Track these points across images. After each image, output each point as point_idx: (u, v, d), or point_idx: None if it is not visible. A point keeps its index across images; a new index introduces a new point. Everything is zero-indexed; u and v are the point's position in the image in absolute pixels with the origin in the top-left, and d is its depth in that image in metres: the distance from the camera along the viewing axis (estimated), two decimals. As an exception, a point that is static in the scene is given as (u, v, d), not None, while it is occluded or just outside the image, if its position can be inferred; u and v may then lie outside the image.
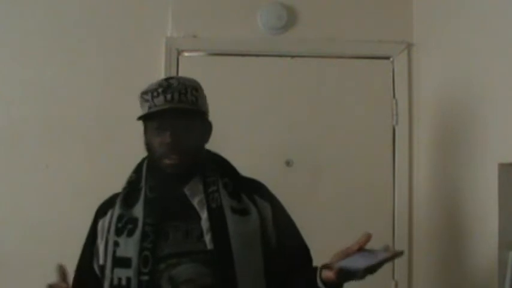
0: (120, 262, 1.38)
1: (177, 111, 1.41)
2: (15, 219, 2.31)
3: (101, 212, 1.54)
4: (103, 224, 1.49)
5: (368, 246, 2.52)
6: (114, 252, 1.39)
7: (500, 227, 1.63)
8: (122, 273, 1.37)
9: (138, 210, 1.43)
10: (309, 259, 1.52)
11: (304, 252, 1.53)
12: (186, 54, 2.43)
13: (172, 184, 1.46)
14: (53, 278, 2.36)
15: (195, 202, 1.43)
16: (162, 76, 2.37)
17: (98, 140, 2.37)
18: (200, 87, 1.49)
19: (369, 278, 2.52)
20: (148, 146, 1.50)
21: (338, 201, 2.37)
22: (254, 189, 1.52)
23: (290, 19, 2.45)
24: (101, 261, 1.44)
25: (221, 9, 2.44)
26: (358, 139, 2.42)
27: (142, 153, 2.42)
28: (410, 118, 2.43)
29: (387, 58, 2.47)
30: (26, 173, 2.34)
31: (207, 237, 1.37)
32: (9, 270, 2.28)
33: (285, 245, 1.47)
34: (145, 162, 1.56)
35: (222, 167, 1.52)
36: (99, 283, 1.44)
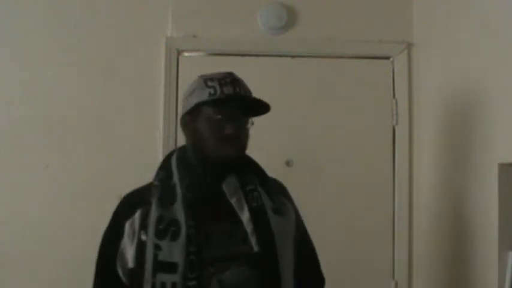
0: (164, 267, 1.31)
1: (250, 101, 1.39)
2: (15, 219, 2.31)
3: (127, 212, 1.43)
4: (132, 224, 1.39)
5: (369, 246, 2.54)
6: (156, 256, 1.32)
7: (500, 227, 1.63)
8: (166, 279, 1.30)
9: (179, 212, 1.35)
10: (315, 257, 1.57)
11: (312, 253, 1.57)
12: (186, 54, 2.43)
13: (209, 181, 1.41)
14: (53, 278, 2.37)
15: (233, 201, 1.38)
16: (162, 76, 2.38)
17: (98, 140, 2.37)
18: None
19: (369, 278, 2.53)
20: (199, 134, 1.40)
21: (338, 201, 2.37)
22: (281, 190, 1.52)
23: (290, 19, 2.45)
24: (131, 264, 1.37)
25: (221, 9, 2.45)
26: (358, 139, 2.42)
27: (142, 153, 2.43)
28: (410, 118, 2.43)
29: (387, 58, 2.47)
30: (26, 173, 2.34)
31: (253, 240, 1.34)
32: (9, 270, 2.28)
33: (302, 246, 1.49)
34: (174, 157, 1.48)
35: (253, 166, 1.49)
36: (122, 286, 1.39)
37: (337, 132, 2.42)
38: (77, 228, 2.32)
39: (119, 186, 2.34)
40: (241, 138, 1.39)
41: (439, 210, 2.15)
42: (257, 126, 2.37)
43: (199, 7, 2.45)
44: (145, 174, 2.33)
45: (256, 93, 2.40)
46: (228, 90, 1.36)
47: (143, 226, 1.36)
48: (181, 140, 2.49)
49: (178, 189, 1.39)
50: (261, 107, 1.43)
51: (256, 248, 1.33)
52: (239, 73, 2.47)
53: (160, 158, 2.35)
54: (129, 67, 2.40)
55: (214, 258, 1.33)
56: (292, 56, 2.45)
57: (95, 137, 2.37)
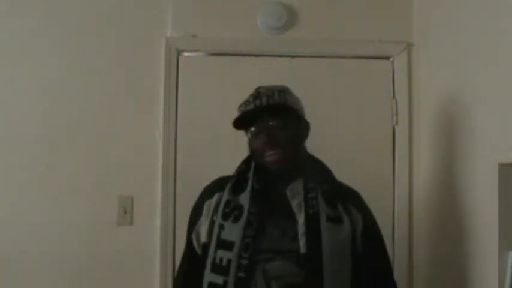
0: (224, 244, 1.48)
1: (262, 111, 1.51)
2: (15, 219, 2.31)
3: (208, 193, 1.62)
4: (209, 204, 1.58)
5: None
6: (219, 234, 1.49)
7: (500, 227, 1.63)
8: (224, 255, 1.46)
9: (245, 199, 1.52)
10: (389, 276, 1.68)
11: (385, 271, 1.65)
12: (186, 54, 2.43)
13: (276, 182, 1.55)
14: (53, 277, 2.38)
15: (294, 204, 1.51)
16: (162, 76, 2.39)
17: (98, 140, 2.37)
18: (288, 89, 1.61)
19: (369, 278, 2.50)
20: (252, 150, 1.59)
21: (338, 201, 2.36)
22: (350, 199, 1.61)
23: (290, 19, 2.45)
24: (204, 239, 1.54)
25: (221, 9, 2.44)
26: (358, 139, 2.41)
27: (142, 153, 2.43)
28: (410, 118, 2.43)
29: (387, 58, 2.47)
30: (26, 173, 2.34)
31: (302, 241, 1.45)
32: (9, 270, 2.28)
33: (369, 261, 1.54)
34: None
35: (322, 173, 1.63)
36: (200, 262, 1.53)
37: (337, 132, 2.42)
38: (77, 228, 2.33)
39: (119, 186, 2.37)
40: (278, 139, 1.51)
41: (439, 210, 2.15)
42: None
43: (199, 7, 2.45)
44: (145, 174, 2.35)
45: (256, 93, 2.41)
46: (250, 107, 1.53)
47: (216, 208, 1.55)
48: (181, 140, 2.50)
49: (250, 182, 1.56)
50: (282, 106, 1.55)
51: (303, 249, 1.44)
52: (239, 73, 2.48)
53: (160, 158, 2.36)
54: (129, 67, 2.40)
55: (265, 248, 1.46)
56: (292, 56, 2.45)
57: (95, 137, 2.37)
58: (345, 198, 1.59)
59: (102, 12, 2.43)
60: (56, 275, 2.30)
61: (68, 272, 2.31)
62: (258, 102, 1.51)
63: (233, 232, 1.48)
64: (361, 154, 2.41)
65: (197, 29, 2.43)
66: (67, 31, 2.40)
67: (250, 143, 1.58)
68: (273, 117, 1.52)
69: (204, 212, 1.58)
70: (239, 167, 1.64)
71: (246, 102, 1.55)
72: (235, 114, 2.35)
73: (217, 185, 1.63)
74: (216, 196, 1.58)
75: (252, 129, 1.55)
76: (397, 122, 2.43)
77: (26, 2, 2.41)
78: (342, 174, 2.40)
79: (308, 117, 2.41)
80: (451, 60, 2.08)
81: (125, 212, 2.33)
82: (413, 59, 2.45)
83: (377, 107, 2.44)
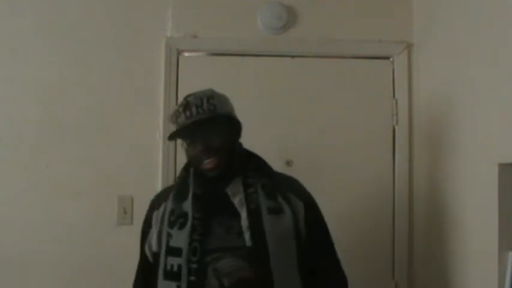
0: (173, 251, 1.55)
1: (195, 124, 1.54)
2: (15, 219, 2.31)
3: (156, 204, 1.70)
4: (157, 215, 1.66)
5: (369, 246, 2.54)
6: (168, 242, 1.57)
7: (500, 227, 1.63)
8: (174, 261, 1.54)
9: (188, 206, 1.59)
10: (333, 257, 1.70)
11: (330, 250, 1.69)
12: (186, 54, 2.43)
13: (216, 185, 1.60)
14: (53, 277, 2.38)
15: (236, 201, 1.58)
16: (162, 76, 2.38)
17: (98, 140, 2.37)
18: (215, 93, 1.64)
19: (369, 279, 2.54)
20: (189, 158, 1.65)
21: (338, 201, 2.36)
22: (289, 188, 1.66)
23: (290, 19, 2.45)
24: (155, 249, 1.62)
25: (221, 9, 2.45)
26: (358, 139, 2.41)
27: (142, 153, 2.43)
28: (410, 118, 2.43)
29: (387, 58, 2.47)
30: (26, 173, 2.34)
31: (246, 235, 1.52)
32: (9, 270, 2.28)
33: (313, 243, 1.61)
34: None
35: (260, 167, 1.67)
36: (153, 270, 1.61)
37: (337, 132, 2.42)
38: (77, 228, 2.33)
39: (119, 186, 2.37)
40: (212, 148, 1.56)
41: (439, 210, 2.15)
42: (257, 126, 2.39)
43: (199, 7, 2.45)
44: (145, 174, 2.35)
45: (257, 93, 2.42)
46: (181, 119, 1.56)
47: (163, 217, 1.62)
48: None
49: (191, 188, 1.62)
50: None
51: (248, 243, 1.52)
52: (239, 73, 2.49)
53: (160, 158, 2.37)
54: (129, 67, 2.40)
55: (212, 249, 1.53)
56: (292, 56, 2.45)
57: (95, 137, 2.37)
58: (283, 188, 1.64)
59: (102, 12, 2.43)
60: (56, 274, 2.30)
61: (68, 271, 2.31)
62: (188, 114, 1.55)
63: (180, 239, 1.54)
64: (361, 154, 2.41)
65: (197, 29, 2.43)
66: (67, 31, 2.40)
67: (186, 152, 1.63)
68: (204, 127, 1.55)
69: (153, 222, 1.66)
70: (179, 173, 1.72)
71: (176, 113, 1.58)
72: (235, 113, 2.36)
73: (163, 196, 1.71)
74: (162, 206, 1.65)
75: (185, 141, 1.61)
76: (397, 122, 2.44)
77: (26, 2, 2.41)
78: (341, 174, 2.42)
79: (308, 117, 2.43)
80: (451, 60, 2.08)
81: (125, 212, 2.33)
82: (413, 59, 2.45)
83: (377, 107, 2.44)
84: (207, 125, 1.55)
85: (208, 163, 1.56)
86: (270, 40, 2.46)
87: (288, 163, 2.38)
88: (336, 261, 1.70)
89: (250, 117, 2.41)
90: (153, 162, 2.36)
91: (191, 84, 2.39)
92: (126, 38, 2.42)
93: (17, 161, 2.34)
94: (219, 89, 2.39)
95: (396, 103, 2.44)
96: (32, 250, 2.30)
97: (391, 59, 2.47)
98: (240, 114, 2.39)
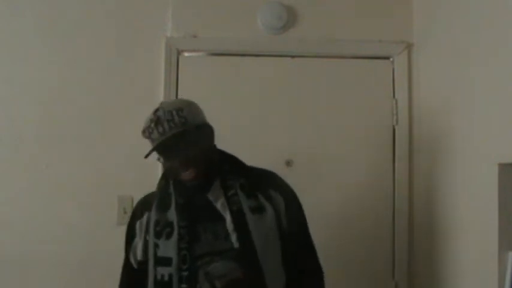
0: (162, 261, 1.58)
1: (169, 140, 1.54)
2: (15, 219, 2.31)
3: (138, 213, 1.71)
4: (140, 225, 1.67)
5: (369, 246, 2.54)
6: (156, 252, 1.59)
7: (500, 227, 1.63)
8: (164, 271, 1.56)
9: (172, 215, 1.60)
10: (309, 246, 1.71)
11: (306, 240, 1.71)
12: (186, 54, 2.43)
13: (197, 192, 1.62)
14: (53, 277, 2.38)
15: (218, 205, 1.60)
16: (162, 76, 2.38)
17: (97, 140, 2.37)
18: (186, 104, 1.60)
19: (369, 279, 2.54)
20: (167, 170, 1.70)
21: (338, 201, 2.37)
22: (268, 184, 1.67)
23: (290, 19, 2.45)
24: (140, 257, 1.65)
25: (221, 9, 2.44)
26: (358, 139, 2.42)
27: (142, 153, 2.43)
28: (410, 118, 2.43)
29: (387, 58, 2.47)
30: (26, 173, 2.34)
31: (233, 238, 1.56)
32: (9, 270, 2.28)
33: (292, 233, 1.64)
34: None
35: (237, 168, 1.67)
36: (137, 274, 1.66)
37: (337, 132, 2.42)
38: (77, 228, 2.33)
39: (119, 186, 2.37)
40: (190, 160, 1.56)
41: (439, 210, 2.15)
42: (257, 126, 2.39)
43: (199, 7, 2.45)
44: (145, 174, 2.35)
45: (257, 92, 2.42)
46: (154, 135, 1.56)
47: (147, 228, 1.64)
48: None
49: (173, 197, 1.63)
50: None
51: (236, 245, 1.55)
52: (239, 73, 2.49)
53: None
54: (129, 67, 2.40)
55: (201, 253, 1.56)
56: (292, 56, 2.45)
57: (94, 137, 2.37)
58: (263, 185, 1.65)
59: (102, 12, 2.43)
60: (56, 274, 2.30)
61: (68, 271, 2.31)
62: (161, 130, 1.54)
63: (168, 248, 1.57)
64: (361, 154, 2.41)
65: (197, 29, 2.43)
66: (67, 31, 2.40)
67: (163, 165, 1.66)
68: (179, 141, 1.54)
69: (137, 231, 1.68)
70: (159, 183, 1.72)
71: (148, 129, 1.57)
72: (235, 113, 2.37)
73: (144, 205, 1.71)
74: (145, 215, 1.67)
75: (161, 156, 1.61)
76: (397, 122, 2.44)
77: (26, 2, 2.41)
78: (341, 174, 2.42)
79: (308, 117, 2.43)
80: (451, 60, 2.08)
81: (125, 212, 2.33)
82: (413, 59, 2.45)
83: (377, 107, 2.44)
84: (181, 139, 1.55)
85: (187, 174, 1.58)
86: (270, 40, 2.46)
87: (288, 163, 2.38)
88: (311, 250, 1.71)
89: (250, 117, 2.43)
90: (153, 162, 2.34)
91: (191, 84, 2.41)
92: (126, 38, 2.42)
93: (17, 161, 2.34)
94: (219, 89, 2.42)
95: (396, 103, 2.44)
96: (32, 250, 2.30)
97: (391, 59, 2.47)
98: (239, 114, 2.41)
